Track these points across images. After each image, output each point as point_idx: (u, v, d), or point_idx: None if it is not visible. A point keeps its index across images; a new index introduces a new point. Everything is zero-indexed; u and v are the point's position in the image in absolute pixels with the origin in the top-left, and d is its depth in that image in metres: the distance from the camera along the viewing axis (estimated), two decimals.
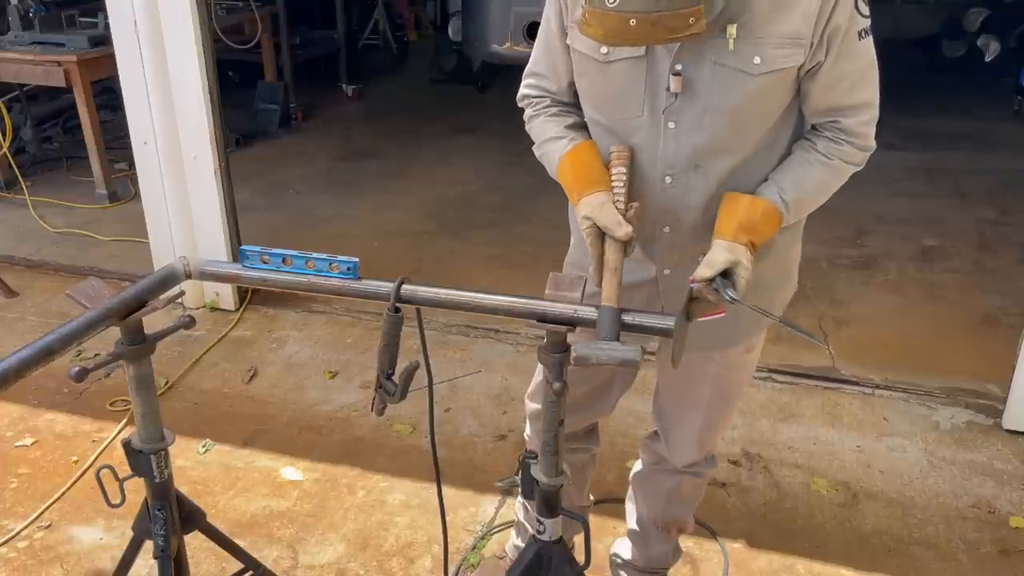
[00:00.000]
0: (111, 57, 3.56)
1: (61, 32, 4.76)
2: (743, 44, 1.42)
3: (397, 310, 1.44)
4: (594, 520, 2.34)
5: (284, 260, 1.49)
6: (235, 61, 6.35)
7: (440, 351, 3.43)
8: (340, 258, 1.47)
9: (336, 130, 6.39)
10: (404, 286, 1.45)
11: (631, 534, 2.22)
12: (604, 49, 1.50)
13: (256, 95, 6.38)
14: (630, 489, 2.19)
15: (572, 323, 1.39)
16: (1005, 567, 2.42)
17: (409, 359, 1.44)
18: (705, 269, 1.45)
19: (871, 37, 1.48)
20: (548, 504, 1.55)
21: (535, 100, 1.71)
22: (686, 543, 2.42)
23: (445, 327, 3.57)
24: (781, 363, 3.34)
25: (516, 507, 2.33)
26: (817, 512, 2.61)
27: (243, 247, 1.52)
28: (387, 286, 1.45)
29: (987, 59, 7.20)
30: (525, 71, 1.73)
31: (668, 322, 1.37)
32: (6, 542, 2.47)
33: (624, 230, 1.47)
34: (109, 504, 1.54)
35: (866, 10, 1.46)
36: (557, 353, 1.40)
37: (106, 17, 3.54)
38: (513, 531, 2.41)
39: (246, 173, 5.11)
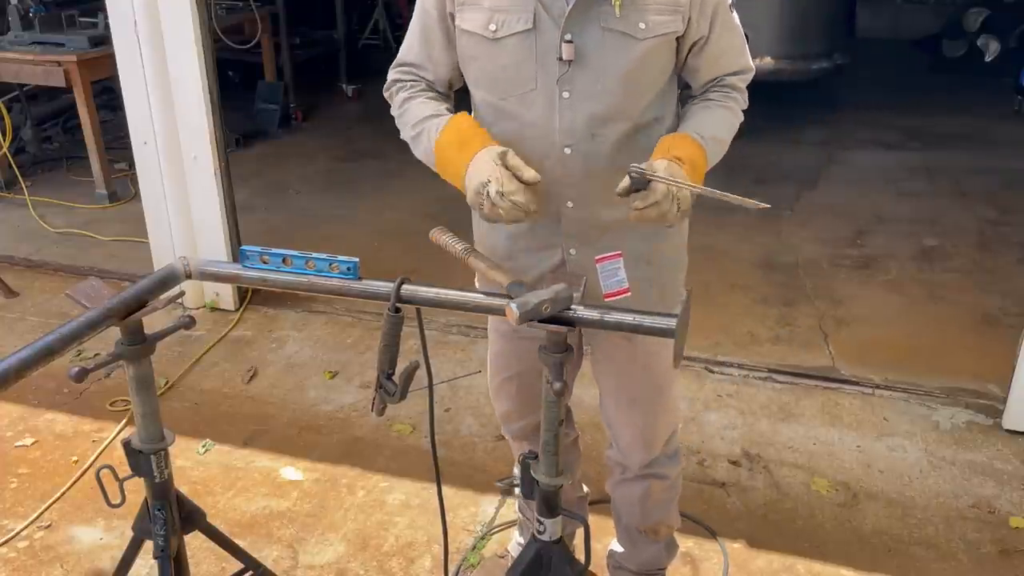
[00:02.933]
0: (111, 57, 3.56)
1: (61, 32, 4.76)
2: (628, 11, 1.51)
3: (397, 310, 1.44)
4: (594, 520, 2.34)
5: (284, 260, 1.49)
6: (235, 61, 6.36)
7: (440, 351, 3.43)
8: (340, 258, 1.47)
9: (336, 130, 6.39)
10: (404, 286, 1.45)
11: (620, 540, 2.21)
12: (492, 26, 1.55)
13: (256, 95, 6.37)
14: (612, 500, 2.18)
15: (572, 323, 1.39)
16: (1005, 567, 2.42)
17: (409, 359, 1.44)
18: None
19: (735, 12, 1.65)
20: (548, 504, 1.55)
21: (409, 83, 1.71)
22: (686, 543, 2.42)
23: (445, 327, 3.57)
24: (781, 363, 3.34)
25: (518, 504, 2.33)
26: (817, 512, 2.61)
27: (243, 247, 1.52)
28: (387, 286, 1.45)
29: (987, 59, 7.20)
30: (395, 62, 1.74)
31: (670, 322, 1.37)
32: (6, 542, 2.47)
33: (531, 172, 1.49)
34: (109, 504, 1.54)
35: None
36: (557, 353, 1.40)
37: (106, 17, 3.54)
38: (515, 530, 2.41)
39: (246, 173, 5.11)
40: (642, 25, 1.52)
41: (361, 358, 3.43)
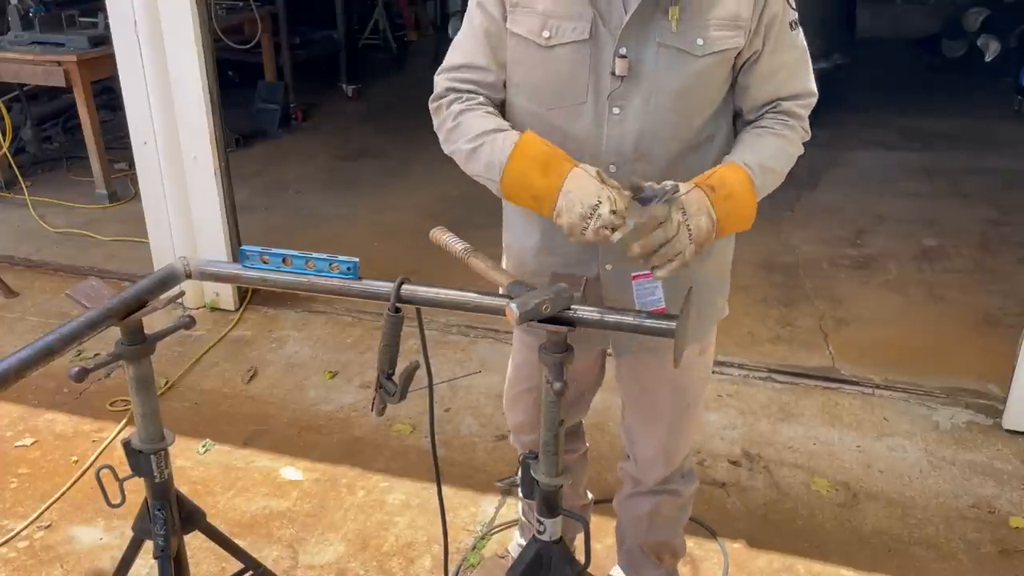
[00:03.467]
0: (111, 57, 3.56)
1: (61, 32, 4.76)
2: (686, 26, 1.46)
3: (397, 310, 1.44)
4: (594, 520, 2.34)
5: (284, 260, 1.49)
6: (235, 61, 6.35)
7: (440, 351, 3.43)
8: (340, 258, 1.47)
9: (336, 130, 6.39)
10: (404, 286, 1.45)
11: (620, 564, 2.20)
12: (546, 33, 1.49)
13: (256, 95, 6.37)
14: (619, 517, 2.17)
15: (572, 323, 1.39)
16: (1005, 567, 2.42)
17: (409, 359, 1.44)
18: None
19: (800, 29, 1.56)
20: (548, 504, 1.55)
21: (466, 95, 1.59)
22: (686, 543, 2.41)
23: (445, 327, 3.57)
24: (781, 363, 3.34)
25: (519, 505, 2.33)
26: (817, 512, 2.61)
27: (243, 247, 1.52)
28: (387, 286, 1.45)
29: (987, 59, 7.20)
30: (446, 66, 1.61)
31: (670, 323, 1.37)
32: (6, 542, 2.47)
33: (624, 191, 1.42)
34: (109, 504, 1.54)
35: (794, 3, 1.53)
36: (557, 353, 1.40)
37: (106, 17, 3.54)
38: (516, 530, 2.41)
39: (246, 173, 5.11)
40: (700, 41, 1.45)
41: (361, 358, 3.43)
